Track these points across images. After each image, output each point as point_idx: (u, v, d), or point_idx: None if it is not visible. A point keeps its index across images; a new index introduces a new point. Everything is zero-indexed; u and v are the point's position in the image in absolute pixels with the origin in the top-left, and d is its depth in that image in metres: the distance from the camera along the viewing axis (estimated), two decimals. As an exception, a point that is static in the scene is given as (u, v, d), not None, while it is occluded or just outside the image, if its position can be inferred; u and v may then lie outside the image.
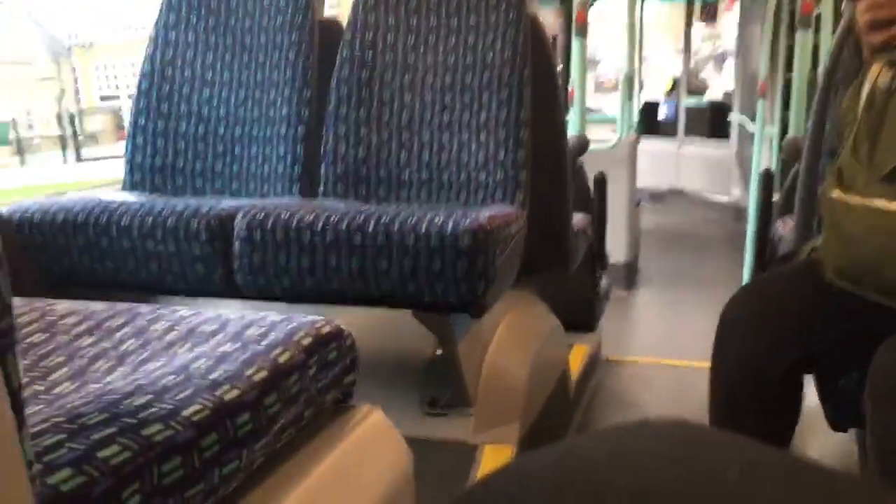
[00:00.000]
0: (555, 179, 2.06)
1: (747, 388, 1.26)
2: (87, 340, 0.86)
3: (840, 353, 1.26)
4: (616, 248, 3.74)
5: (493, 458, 1.60)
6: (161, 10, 2.07)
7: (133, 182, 2.02)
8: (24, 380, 0.70)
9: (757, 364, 1.24)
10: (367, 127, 1.93)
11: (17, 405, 0.47)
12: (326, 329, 0.91)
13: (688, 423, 0.39)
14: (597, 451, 0.37)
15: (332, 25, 2.10)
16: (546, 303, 2.25)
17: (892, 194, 1.13)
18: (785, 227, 2.11)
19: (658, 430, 0.38)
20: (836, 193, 1.22)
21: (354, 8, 1.98)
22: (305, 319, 0.91)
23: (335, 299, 1.58)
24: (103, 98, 8.07)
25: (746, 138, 6.15)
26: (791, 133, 2.92)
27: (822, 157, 1.81)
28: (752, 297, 1.33)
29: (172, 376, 0.73)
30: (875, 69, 1.21)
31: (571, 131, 2.97)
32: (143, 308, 0.95)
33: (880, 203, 1.15)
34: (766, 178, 2.54)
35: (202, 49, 2.05)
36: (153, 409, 0.65)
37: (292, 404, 0.81)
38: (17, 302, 0.64)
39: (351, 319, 1.02)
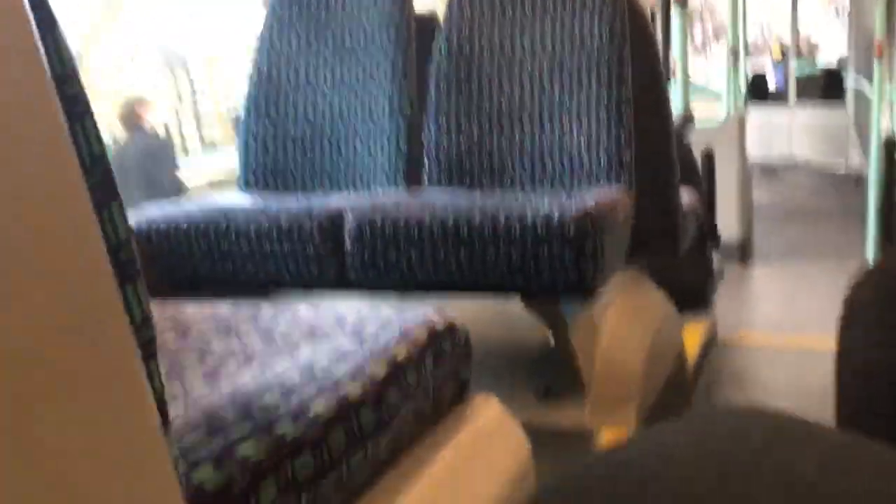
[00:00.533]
0: (661, 158, 2.02)
1: (881, 385, 1.19)
2: (216, 341, 0.91)
3: None
4: (729, 225, 3.64)
5: (610, 442, 1.59)
6: (266, 18, 2.14)
7: (247, 181, 2.10)
8: None
9: (886, 348, 1.18)
10: (468, 117, 1.94)
11: (162, 406, 0.50)
12: (440, 323, 0.92)
13: (769, 412, 0.38)
14: (678, 443, 0.37)
15: (428, 20, 2.13)
16: (657, 284, 2.21)
17: None
18: None
19: (740, 421, 0.38)
20: None
21: (450, 2, 2.00)
22: (419, 314, 0.93)
23: (445, 289, 1.60)
24: (219, 108, 8.42)
25: (863, 102, 5.85)
26: None
27: None
28: (883, 277, 1.27)
29: (298, 374, 0.76)
30: None
31: (675, 107, 2.90)
32: (266, 307, 1.00)
33: None
34: (889, 146, 2.41)
35: (305, 52, 2.10)
36: (283, 408, 0.68)
37: (412, 398, 0.83)
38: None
39: (461, 309, 1.04)
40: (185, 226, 1.72)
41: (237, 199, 1.95)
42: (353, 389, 0.74)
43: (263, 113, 2.09)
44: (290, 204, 1.72)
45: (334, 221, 1.63)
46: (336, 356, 0.81)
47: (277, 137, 2.09)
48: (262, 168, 2.10)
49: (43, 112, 0.38)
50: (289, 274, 1.68)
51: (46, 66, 0.39)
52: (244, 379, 0.79)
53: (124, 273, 0.49)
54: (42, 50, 0.39)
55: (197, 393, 0.78)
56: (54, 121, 0.38)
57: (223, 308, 1.00)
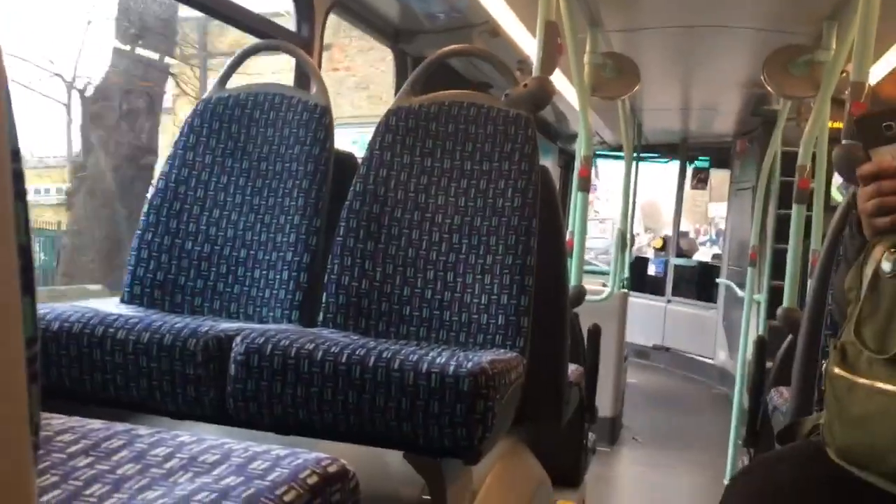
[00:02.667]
0: (553, 329, 2.06)
1: None
2: (83, 461, 0.83)
3: None
4: (602, 402, 3.70)
5: None
6: (182, 131, 2.12)
7: (132, 295, 2.00)
8: None
9: None
10: (373, 260, 1.94)
11: None
12: (333, 468, 0.87)
13: None
14: None
15: (347, 159, 2.16)
16: (534, 453, 2.20)
17: None
18: (780, 398, 2.10)
19: None
20: (838, 371, 1.22)
21: (371, 145, 2.04)
22: (311, 456, 0.88)
23: (326, 434, 1.54)
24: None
25: (733, 303, 6.23)
26: (785, 303, 2.96)
27: (821, 331, 1.83)
28: (756, 481, 1.30)
29: None
30: (878, 251, 1.23)
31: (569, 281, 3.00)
32: (143, 430, 0.92)
33: (886, 386, 1.14)
34: (761, 345, 2.55)
35: (217, 171, 2.08)
36: None
37: None
38: None
39: (340, 454, 0.99)
40: (56, 327, 1.61)
41: (119, 309, 1.85)
42: None
43: (163, 224, 2.03)
44: (175, 321, 1.64)
45: (221, 344, 1.56)
46: (217, 492, 0.75)
47: (173, 252, 2.02)
48: (150, 282, 2.01)
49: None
50: (163, 396, 1.58)
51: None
52: None
53: (30, 372, 0.44)
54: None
55: None
56: (4, 197, 0.35)
57: (95, 425, 0.92)
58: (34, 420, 0.45)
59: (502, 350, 1.75)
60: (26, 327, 0.43)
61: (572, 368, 2.32)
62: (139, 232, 2.04)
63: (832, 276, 1.82)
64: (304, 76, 2.60)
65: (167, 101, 5.02)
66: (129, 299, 2.00)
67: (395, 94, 2.22)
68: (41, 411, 0.94)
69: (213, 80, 2.27)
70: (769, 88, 3.67)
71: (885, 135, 1.18)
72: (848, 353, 1.21)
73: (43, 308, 1.68)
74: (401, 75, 3.84)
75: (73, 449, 0.85)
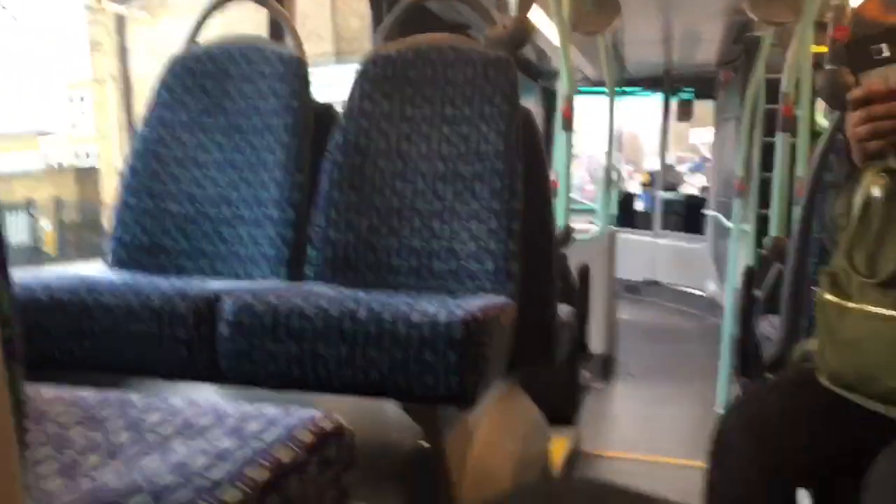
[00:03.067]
0: (542, 271, 2.06)
1: None
2: (76, 431, 0.82)
3: (838, 466, 1.24)
4: (594, 340, 3.74)
5: None
6: (156, 90, 2.08)
7: (118, 259, 1.98)
8: None
9: (758, 486, 1.21)
10: (358, 212, 1.92)
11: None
12: (328, 425, 0.88)
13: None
14: None
15: (326, 110, 2.12)
16: (528, 394, 2.22)
17: (890, 302, 1.13)
18: (769, 327, 2.12)
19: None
20: (829, 297, 1.22)
21: (350, 95, 2.00)
22: (305, 414, 0.88)
23: (321, 387, 1.54)
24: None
25: (721, 234, 6.25)
26: (772, 232, 2.97)
27: (808, 259, 1.83)
28: (749, 410, 1.31)
29: (170, 474, 0.70)
30: (868, 177, 1.23)
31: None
32: (135, 397, 0.92)
33: (877, 309, 1.15)
34: (749, 275, 2.56)
35: (195, 129, 2.05)
36: None
37: None
38: None
39: (335, 407, 0.99)
40: (43, 298, 1.60)
41: (105, 274, 1.84)
42: (232, 494, 0.68)
43: (144, 187, 2.01)
44: (162, 284, 1.63)
45: (210, 305, 1.55)
46: (213, 455, 0.75)
47: (156, 215, 2.00)
48: (135, 245, 1.99)
49: None
50: (154, 360, 1.58)
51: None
52: (107, 477, 0.71)
53: (8, 350, 0.44)
54: None
55: (50, 489, 0.69)
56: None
57: (86, 394, 0.92)
58: (18, 397, 0.44)
59: (492, 295, 1.75)
60: (3, 307, 0.43)
61: (563, 309, 2.33)
62: (120, 196, 2.02)
63: (818, 202, 1.82)
64: (278, 27, 2.55)
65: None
66: (114, 263, 1.98)
67: (372, 38, 2.17)
68: (32, 381, 0.94)
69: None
70: (751, 15, 3.62)
71: (873, 58, 1.16)
72: (839, 279, 1.22)
73: (27, 277, 1.66)
74: (377, 21, 3.77)
75: (65, 419, 0.85)
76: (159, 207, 2.00)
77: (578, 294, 2.70)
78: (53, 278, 1.65)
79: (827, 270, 1.26)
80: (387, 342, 1.46)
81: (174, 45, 2.19)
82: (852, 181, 1.27)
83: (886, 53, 1.16)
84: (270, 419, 0.85)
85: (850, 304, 1.18)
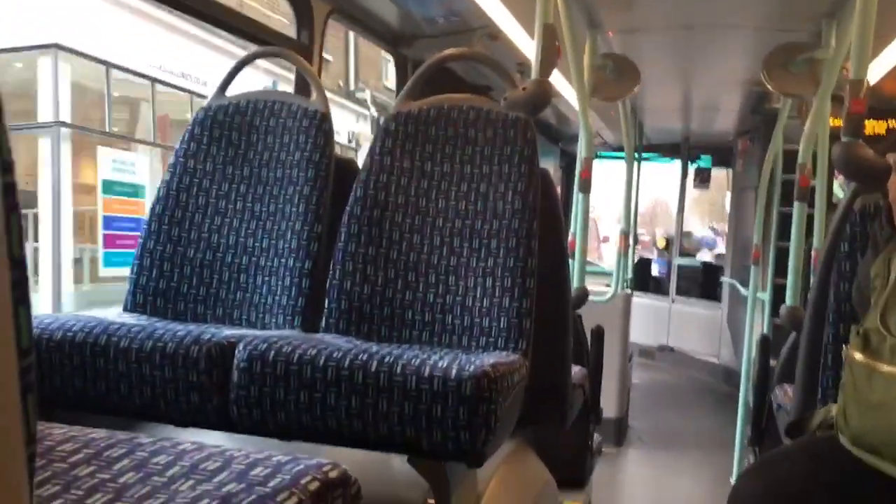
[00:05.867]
0: (556, 331, 2.06)
1: None
2: (85, 470, 0.83)
3: None
4: (607, 403, 3.70)
5: None
6: (183, 139, 2.13)
7: (135, 303, 2.00)
8: None
9: None
10: (375, 265, 1.94)
11: None
12: (334, 474, 0.88)
13: None
14: None
15: (347, 164, 2.16)
16: (538, 455, 2.20)
17: None
18: (785, 396, 2.10)
19: None
20: (860, 357, 1.22)
21: (371, 150, 2.04)
22: (312, 462, 0.88)
23: (330, 438, 1.54)
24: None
25: (737, 301, 6.22)
26: (788, 301, 2.96)
27: (824, 328, 1.83)
28: (767, 473, 1.30)
29: None
30: None
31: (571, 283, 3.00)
32: (144, 438, 0.92)
33: None
34: (765, 344, 2.55)
35: (219, 178, 2.09)
36: None
37: None
38: None
39: (343, 459, 0.99)
40: (59, 336, 1.62)
41: (122, 318, 1.85)
42: None
43: (165, 232, 2.04)
44: (178, 329, 1.64)
45: (224, 351, 1.56)
46: (219, 500, 0.75)
47: (176, 260, 2.03)
48: (153, 290, 2.01)
49: None
50: (166, 404, 1.58)
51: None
52: None
53: (24, 383, 0.45)
54: None
55: None
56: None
57: (96, 434, 0.93)
58: (30, 431, 0.45)
59: (505, 353, 1.75)
60: (22, 339, 0.44)
61: (576, 370, 2.32)
62: (141, 240, 2.05)
63: (833, 273, 1.82)
64: (304, 82, 2.61)
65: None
66: (131, 307, 2.00)
67: (396, 98, 2.22)
68: (44, 421, 0.95)
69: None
70: (769, 87, 3.67)
71: None
72: (871, 340, 1.21)
73: (47, 318, 1.68)
74: (401, 80, 3.85)
75: (74, 458, 0.86)
76: (179, 253, 2.03)
77: (592, 355, 2.68)
78: (71, 319, 1.67)
79: (859, 330, 1.26)
80: (397, 395, 1.46)
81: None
82: (891, 245, 1.29)
83: None
84: (277, 466, 0.85)
85: (882, 366, 1.18)
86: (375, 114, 13.75)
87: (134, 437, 0.92)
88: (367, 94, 14.36)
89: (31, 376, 0.45)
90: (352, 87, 14.71)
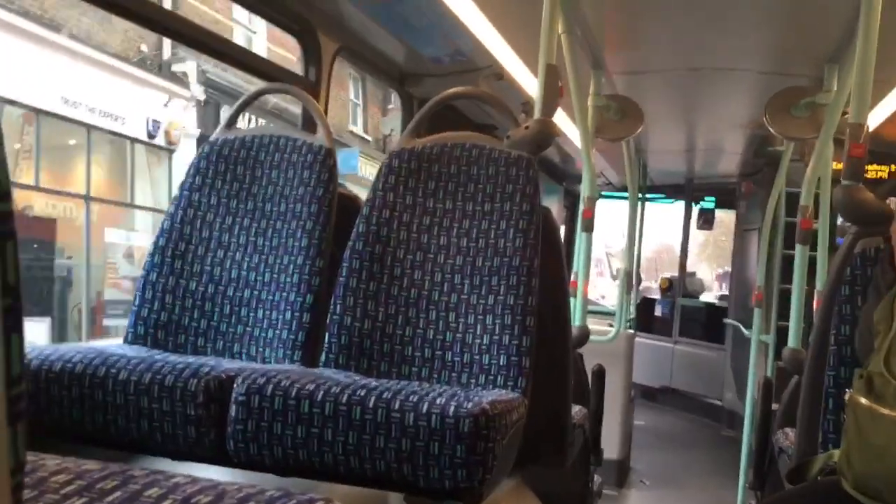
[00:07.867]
0: (556, 369, 2.05)
1: None
2: (77, 502, 0.82)
3: None
4: (608, 444, 3.67)
5: None
6: (188, 172, 2.14)
7: (136, 335, 2.01)
8: None
9: None
10: (376, 301, 1.94)
11: None
12: None
13: None
14: None
15: (350, 200, 2.17)
16: (538, 496, 2.18)
17: None
18: (787, 440, 2.08)
19: None
20: (863, 400, 1.21)
21: (374, 186, 2.06)
22: (304, 498, 0.87)
23: (326, 474, 1.53)
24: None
25: (740, 343, 6.19)
26: (790, 344, 2.95)
27: (825, 371, 1.82)
28: None
29: None
30: None
31: (572, 322, 2.99)
32: (137, 471, 0.92)
33: None
34: (767, 387, 2.53)
35: (223, 212, 2.10)
36: None
37: None
38: None
39: (339, 495, 0.98)
40: (58, 367, 1.62)
41: (122, 349, 1.85)
42: None
43: (168, 265, 2.05)
44: (177, 361, 1.64)
45: (223, 385, 1.56)
46: None
47: (177, 293, 2.03)
48: (154, 322, 2.02)
49: None
50: (163, 437, 1.58)
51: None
52: None
53: (13, 411, 0.45)
54: None
55: None
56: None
57: (90, 466, 0.92)
58: (19, 460, 0.45)
59: (504, 391, 1.74)
60: (13, 367, 0.44)
61: (576, 409, 2.30)
62: (144, 272, 2.06)
63: (834, 317, 1.81)
64: (310, 118, 2.64)
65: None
66: (132, 339, 2.01)
67: (401, 135, 2.24)
68: (40, 452, 0.95)
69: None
70: (772, 130, 3.69)
71: None
72: (875, 384, 1.21)
73: (47, 349, 1.68)
74: (407, 118, 3.88)
75: (67, 490, 0.85)
76: (181, 286, 2.04)
77: (593, 395, 2.67)
78: (71, 351, 1.67)
79: (862, 373, 1.25)
80: (395, 432, 1.45)
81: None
82: (894, 290, 1.29)
83: None
84: (269, 501, 0.84)
85: (885, 410, 1.17)
86: (202, 95, 9.54)
87: (127, 470, 0.92)
88: (188, 66, 9.62)
89: (22, 405, 0.45)
90: (165, 55, 9.59)
